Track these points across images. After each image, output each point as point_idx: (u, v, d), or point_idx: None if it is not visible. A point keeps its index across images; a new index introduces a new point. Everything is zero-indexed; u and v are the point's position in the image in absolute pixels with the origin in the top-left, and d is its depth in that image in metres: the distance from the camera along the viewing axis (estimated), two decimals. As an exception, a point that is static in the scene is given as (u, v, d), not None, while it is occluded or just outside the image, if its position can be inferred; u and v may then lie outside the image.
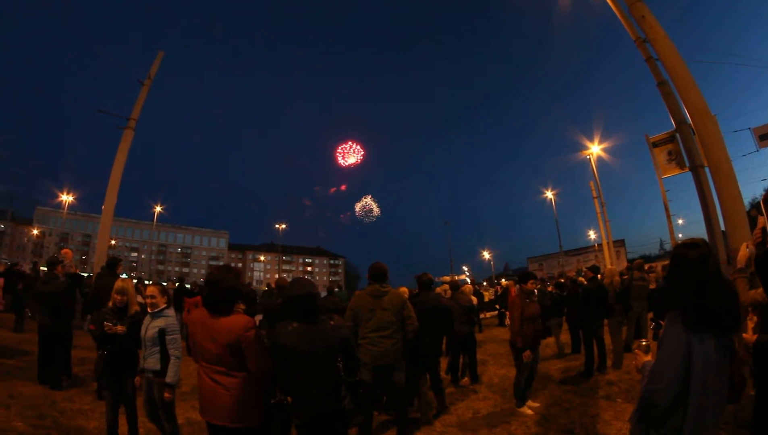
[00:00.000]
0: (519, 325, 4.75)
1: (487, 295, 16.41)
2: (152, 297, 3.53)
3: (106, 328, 3.58)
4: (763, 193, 1.89)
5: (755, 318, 1.93)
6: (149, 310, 3.57)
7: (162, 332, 3.44)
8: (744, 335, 1.75)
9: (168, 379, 3.33)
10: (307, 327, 2.45)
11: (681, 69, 7.55)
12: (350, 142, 29.96)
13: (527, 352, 4.74)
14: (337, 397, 2.42)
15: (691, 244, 1.76)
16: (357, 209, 29.25)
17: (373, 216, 29.17)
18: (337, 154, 30.07)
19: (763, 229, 1.93)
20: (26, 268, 20.59)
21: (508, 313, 12.65)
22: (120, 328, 3.53)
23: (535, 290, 6.71)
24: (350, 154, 29.68)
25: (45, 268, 6.37)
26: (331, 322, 2.53)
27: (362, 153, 29.83)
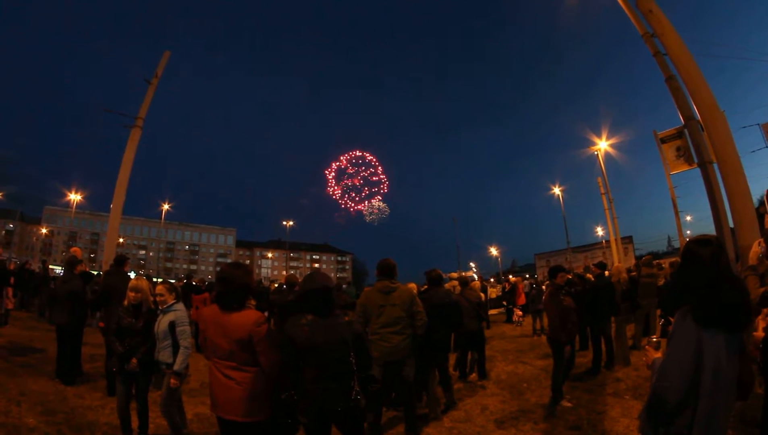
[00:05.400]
0: (560, 322, 4.75)
1: (494, 292, 16.28)
2: (161, 295, 3.71)
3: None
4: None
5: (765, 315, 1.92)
6: (160, 307, 3.73)
7: (172, 325, 3.59)
8: (754, 333, 1.74)
9: (175, 367, 3.48)
10: (321, 320, 2.45)
11: (689, 64, 7.46)
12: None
13: (568, 347, 4.79)
14: (347, 393, 2.41)
15: (702, 241, 1.75)
16: (365, 210, 27.01)
17: (383, 216, 27.37)
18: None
19: None
20: (35, 267, 20.87)
21: (516, 309, 12.71)
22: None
23: (573, 278, 6.64)
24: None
25: (63, 268, 6.49)
26: (346, 318, 2.54)
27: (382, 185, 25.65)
